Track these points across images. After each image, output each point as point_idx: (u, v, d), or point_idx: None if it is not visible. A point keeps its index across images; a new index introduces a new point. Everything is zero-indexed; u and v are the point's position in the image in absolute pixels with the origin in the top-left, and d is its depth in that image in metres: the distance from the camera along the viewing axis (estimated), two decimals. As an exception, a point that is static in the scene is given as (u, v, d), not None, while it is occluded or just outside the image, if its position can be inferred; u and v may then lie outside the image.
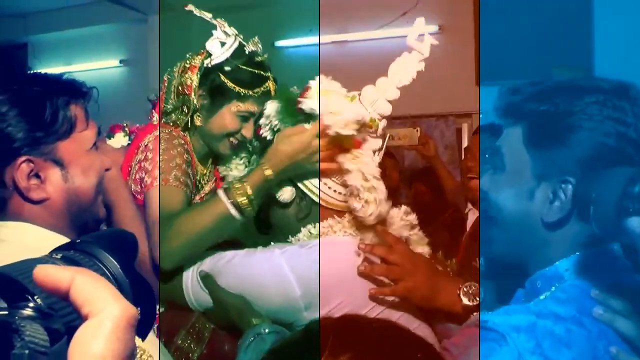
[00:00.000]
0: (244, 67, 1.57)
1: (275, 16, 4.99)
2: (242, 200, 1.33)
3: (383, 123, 1.41)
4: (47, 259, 0.51)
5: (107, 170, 1.22)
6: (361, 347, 0.72)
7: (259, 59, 1.61)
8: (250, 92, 1.56)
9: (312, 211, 1.44)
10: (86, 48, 5.52)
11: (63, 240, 1.07)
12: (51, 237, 1.08)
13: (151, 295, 0.57)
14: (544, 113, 0.97)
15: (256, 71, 1.59)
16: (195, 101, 1.56)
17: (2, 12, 5.64)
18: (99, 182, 1.17)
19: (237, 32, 1.63)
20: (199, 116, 1.59)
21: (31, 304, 0.43)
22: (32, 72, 1.15)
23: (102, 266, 0.53)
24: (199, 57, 1.59)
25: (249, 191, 1.34)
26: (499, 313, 0.92)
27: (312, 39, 4.79)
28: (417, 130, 3.33)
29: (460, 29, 4.28)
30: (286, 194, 1.43)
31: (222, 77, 1.55)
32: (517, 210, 1.00)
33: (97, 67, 5.36)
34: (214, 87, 1.56)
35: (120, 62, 5.48)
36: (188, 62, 1.59)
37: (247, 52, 1.59)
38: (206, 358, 1.56)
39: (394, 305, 1.36)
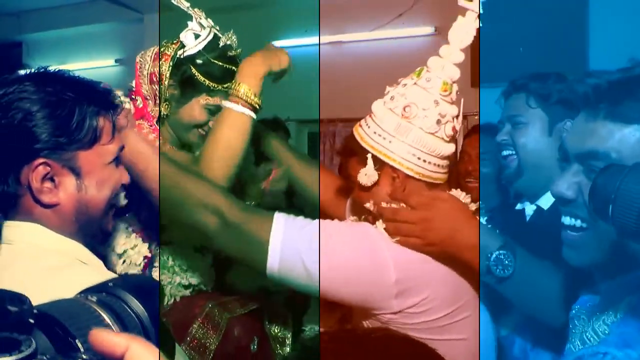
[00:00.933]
0: (216, 61, 1.57)
1: (273, 16, 4.99)
2: (247, 95, 1.46)
3: (456, 87, 1.36)
4: (83, 301, 0.57)
5: (123, 184, 1.20)
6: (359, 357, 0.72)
7: (231, 53, 1.62)
8: (220, 87, 1.57)
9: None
10: (81, 47, 5.51)
11: (72, 244, 1.09)
12: (61, 240, 1.08)
13: (172, 339, 0.62)
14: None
15: (227, 66, 1.59)
16: (165, 90, 1.56)
17: (-3, 11, 5.62)
18: (112, 196, 1.16)
19: (212, 24, 1.64)
20: (167, 106, 1.59)
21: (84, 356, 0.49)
22: (70, 75, 1.12)
23: (131, 312, 0.59)
24: (174, 46, 1.58)
25: (247, 87, 1.45)
26: (617, 345, 0.83)
27: (309, 40, 4.79)
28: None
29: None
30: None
31: (193, 70, 1.55)
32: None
33: (92, 67, 5.35)
34: (185, 79, 1.56)
35: (116, 61, 5.46)
36: (162, 49, 1.58)
37: (220, 46, 1.60)
38: (223, 346, 1.55)
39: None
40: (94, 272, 1.06)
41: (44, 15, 5.54)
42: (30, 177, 1.03)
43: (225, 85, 1.57)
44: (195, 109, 1.58)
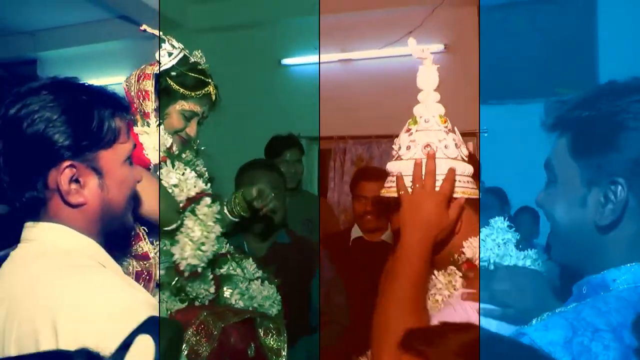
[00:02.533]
0: (188, 73, 1.83)
1: (282, 35, 5.03)
2: None
3: (448, 118, 1.51)
4: None
5: (137, 182, 1.27)
6: None
7: (200, 67, 1.88)
8: (193, 94, 1.83)
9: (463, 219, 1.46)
10: (94, 64, 5.57)
11: (93, 244, 1.14)
12: (81, 241, 1.12)
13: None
14: (587, 119, 0.96)
15: (198, 76, 1.85)
16: (152, 105, 1.79)
17: (13, 29, 5.71)
18: (131, 195, 1.23)
19: (182, 47, 1.89)
20: (156, 118, 1.83)
21: None
22: (80, 81, 1.19)
23: None
24: (151, 67, 1.83)
25: None
26: (537, 328, 0.91)
27: (316, 58, 4.83)
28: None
29: (465, 47, 4.31)
30: None
31: (169, 80, 1.81)
32: (572, 219, 1.00)
33: (105, 83, 5.39)
34: (162, 89, 1.81)
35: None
36: (142, 71, 1.84)
37: (190, 62, 1.87)
38: (217, 353, 1.58)
39: None
40: (112, 275, 1.10)
41: (58, 33, 5.62)
42: (59, 180, 1.08)
43: (197, 92, 1.83)
44: (173, 116, 1.83)
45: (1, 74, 6.53)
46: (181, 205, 1.78)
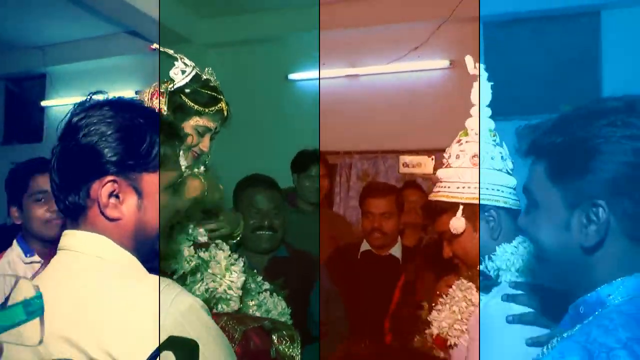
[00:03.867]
0: (201, 90, 1.87)
1: (289, 50, 5.07)
2: None
3: (497, 133, 1.62)
4: None
5: (179, 211, 1.31)
6: None
7: (212, 84, 1.92)
8: (207, 110, 1.86)
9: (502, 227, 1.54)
10: (102, 78, 5.62)
11: (127, 254, 1.16)
12: (120, 253, 1.15)
13: None
14: (562, 145, 0.99)
15: (211, 93, 1.89)
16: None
17: (22, 44, 5.78)
18: (169, 222, 1.26)
19: (194, 64, 1.90)
20: None
21: None
22: (142, 104, 1.26)
23: None
24: (165, 84, 1.86)
25: None
26: (554, 356, 0.91)
27: (324, 73, 4.87)
28: (432, 159, 3.31)
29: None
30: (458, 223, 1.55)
31: (183, 97, 1.84)
32: (557, 242, 1.02)
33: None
34: (177, 106, 1.83)
35: (136, 92, 5.54)
36: (154, 88, 1.86)
37: (202, 79, 1.89)
38: (239, 356, 1.63)
39: None
40: (148, 288, 1.10)
41: (67, 48, 5.68)
42: (100, 192, 1.12)
43: (210, 109, 1.87)
44: (187, 132, 1.83)
45: (11, 88, 6.61)
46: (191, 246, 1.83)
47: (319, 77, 4.78)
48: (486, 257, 1.51)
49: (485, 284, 1.50)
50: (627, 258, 0.96)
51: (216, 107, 1.88)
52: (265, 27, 4.99)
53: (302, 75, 5.05)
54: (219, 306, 1.81)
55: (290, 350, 1.83)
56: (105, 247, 1.14)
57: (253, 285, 2.04)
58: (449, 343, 1.56)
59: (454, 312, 1.57)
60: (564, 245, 1.00)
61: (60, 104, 5.98)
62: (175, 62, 1.88)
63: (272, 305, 2.05)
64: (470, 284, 1.58)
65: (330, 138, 4.60)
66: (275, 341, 1.82)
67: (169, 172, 1.22)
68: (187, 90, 1.85)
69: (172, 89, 1.84)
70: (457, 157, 1.58)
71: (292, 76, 5.07)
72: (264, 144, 3.81)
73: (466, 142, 1.59)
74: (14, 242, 2.17)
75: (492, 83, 1.65)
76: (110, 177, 1.12)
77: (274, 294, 2.11)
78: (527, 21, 4.20)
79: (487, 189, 1.52)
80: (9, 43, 5.76)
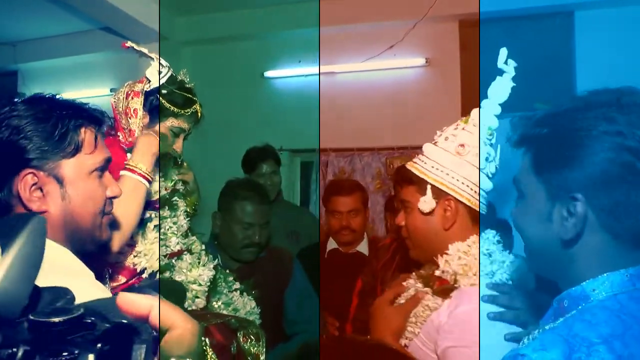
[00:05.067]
0: (177, 91, 1.90)
1: (268, 47, 5.06)
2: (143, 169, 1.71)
3: (495, 134, 1.60)
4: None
5: (112, 198, 1.27)
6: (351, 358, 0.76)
7: (187, 86, 1.95)
8: (182, 111, 1.90)
9: (457, 221, 1.56)
10: (77, 76, 5.54)
11: (62, 250, 1.14)
12: (52, 247, 1.12)
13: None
14: (547, 136, 1.00)
15: (187, 95, 1.93)
16: (139, 122, 1.83)
17: (-7, 40, 5.67)
18: (101, 210, 1.23)
19: (169, 65, 1.94)
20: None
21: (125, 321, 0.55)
22: (61, 97, 1.23)
23: None
24: (139, 84, 1.88)
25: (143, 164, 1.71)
26: (535, 347, 0.92)
27: (299, 70, 4.87)
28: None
29: (446, 62, 4.36)
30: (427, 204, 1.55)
31: (161, 99, 1.87)
32: (540, 234, 1.03)
33: (87, 95, 5.37)
34: (153, 107, 1.87)
35: (111, 90, 5.49)
36: (130, 88, 1.88)
37: (178, 80, 1.93)
38: None
39: None
40: (84, 282, 1.09)
41: (39, 45, 5.59)
42: (20, 187, 1.11)
43: (186, 110, 1.91)
44: (162, 132, 1.86)
45: (-19, 85, 6.48)
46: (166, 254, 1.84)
47: (319, 73, 4.77)
48: (440, 257, 1.52)
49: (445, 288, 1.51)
50: (609, 253, 0.97)
51: (191, 109, 1.92)
52: (242, 25, 4.97)
53: (279, 73, 5.04)
54: (185, 302, 1.81)
55: (256, 348, 1.84)
56: None
57: (224, 285, 2.05)
58: (401, 342, 1.56)
59: (410, 315, 1.57)
60: (546, 237, 1.02)
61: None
62: (152, 62, 1.89)
63: (241, 305, 2.08)
64: (427, 289, 1.58)
65: (307, 135, 4.60)
66: (241, 339, 1.84)
67: (89, 155, 1.20)
68: (164, 92, 1.88)
69: (149, 89, 1.86)
70: (446, 139, 1.59)
71: (268, 74, 5.05)
72: (239, 141, 3.79)
73: (462, 129, 1.60)
74: None
75: (514, 84, 1.65)
76: (28, 170, 1.11)
77: (244, 293, 2.13)
78: (501, 20, 4.24)
79: (457, 180, 1.53)
80: (-21, 39, 5.65)
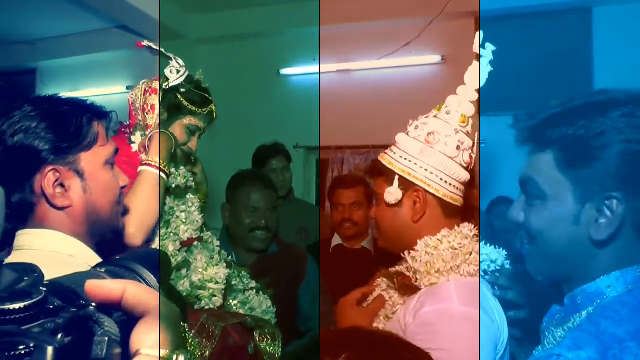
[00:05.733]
0: (195, 90, 1.95)
1: (281, 45, 5.06)
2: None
3: (471, 122, 1.54)
4: (92, 273, 0.60)
5: (123, 187, 1.31)
6: (359, 348, 0.76)
7: (204, 85, 2.00)
8: (200, 110, 1.94)
9: (427, 213, 1.49)
10: (94, 74, 5.59)
11: (82, 246, 1.18)
12: (71, 243, 1.16)
13: (183, 302, 0.65)
14: (573, 136, 0.98)
15: (203, 94, 1.97)
16: (155, 118, 1.87)
17: (13, 39, 5.73)
18: (118, 199, 1.27)
19: (185, 65, 1.97)
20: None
21: (93, 304, 0.52)
22: (59, 95, 1.26)
23: (141, 280, 0.62)
24: (156, 82, 1.92)
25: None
26: (569, 347, 0.90)
27: (316, 68, 4.86)
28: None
29: (462, 59, 4.32)
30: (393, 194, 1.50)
31: (179, 97, 1.91)
32: (563, 235, 1.01)
33: (104, 93, 5.42)
34: (172, 105, 1.91)
35: (127, 88, 5.53)
36: (147, 85, 1.92)
37: (195, 79, 1.98)
38: (219, 352, 1.64)
39: None
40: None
41: (57, 43, 5.64)
42: (43, 184, 1.14)
43: (203, 109, 1.95)
44: (177, 130, 1.92)
45: (1, 83, 6.56)
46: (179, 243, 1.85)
47: (319, 72, 4.77)
48: (407, 253, 1.46)
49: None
50: (631, 250, 0.97)
51: (208, 108, 1.97)
52: (257, 23, 4.98)
53: (295, 71, 5.04)
54: (202, 301, 1.83)
55: (272, 348, 1.85)
56: (59, 241, 1.15)
57: (239, 284, 2.06)
58: None
59: (378, 315, 1.51)
60: (571, 236, 1.00)
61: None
62: (170, 61, 1.93)
63: (257, 304, 2.09)
64: (390, 288, 1.52)
65: (322, 133, 4.60)
66: (257, 338, 1.85)
67: (103, 147, 1.25)
68: (182, 90, 1.92)
69: (167, 87, 1.90)
70: (416, 128, 1.53)
71: (284, 71, 5.06)
72: (255, 139, 3.79)
73: (434, 117, 1.54)
74: None
75: (491, 69, 1.59)
76: (49, 167, 1.14)
77: (260, 292, 2.14)
78: (518, 17, 4.21)
79: (425, 169, 1.46)
80: (-1, 38, 5.72)
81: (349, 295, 1.58)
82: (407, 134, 1.54)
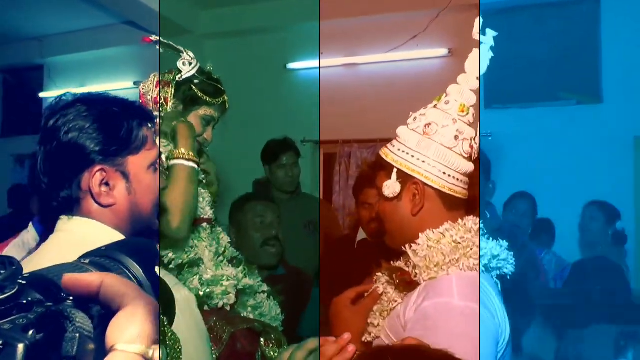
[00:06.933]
0: (208, 81, 1.97)
1: (288, 40, 5.06)
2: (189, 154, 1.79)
3: (472, 111, 1.49)
4: (76, 264, 0.58)
5: (163, 189, 1.38)
6: None
7: (215, 76, 2.02)
8: (214, 100, 1.97)
9: (425, 206, 1.45)
10: (101, 70, 5.61)
11: (122, 237, 1.20)
12: (112, 234, 1.21)
13: (171, 295, 0.64)
14: None
15: (216, 85, 1.99)
16: (169, 110, 1.90)
17: (20, 35, 5.76)
18: (157, 200, 1.31)
19: (195, 58, 2.00)
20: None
21: (71, 298, 0.50)
22: (111, 95, 1.30)
23: (126, 270, 0.60)
24: (169, 74, 1.94)
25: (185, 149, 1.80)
26: None
27: (323, 62, 4.85)
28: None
29: (469, 52, 4.30)
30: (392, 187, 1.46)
31: (193, 88, 1.93)
32: None
33: (111, 89, 5.44)
34: (187, 96, 1.94)
35: (134, 83, 5.55)
36: (159, 78, 1.95)
37: (206, 71, 2.00)
38: (226, 357, 1.65)
39: None
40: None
41: (64, 39, 5.66)
42: (91, 183, 1.18)
43: (217, 100, 1.97)
44: (193, 121, 1.93)
45: (9, 80, 6.59)
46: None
47: (319, 66, 4.77)
48: (408, 246, 1.42)
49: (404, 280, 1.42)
50: None
51: (222, 99, 1.99)
52: (264, 17, 4.98)
53: (301, 65, 5.04)
54: (215, 300, 1.82)
55: (276, 353, 1.86)
56: (99, 230, 1.20)
57: (251, 282, 2.03)
58: (365, 339, 1.46)
59: (373, 311, 1.48)
60: None
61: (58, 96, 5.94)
62: (181, 54, 1.97)
63: (267, 309, 2.08)
64: (388, 280, 1.49)
65: (329, 127, 4.60)
66: (263, 343, 1.84)
67: (149, 151, 1.28)
68: (196, 81, 1.94)
69: (180, 79, 1.93)
70: (415, 119, 1.50)
71: (291, 65, 5.06)
72: (262, 133, 3.80)
73: (433, 107, 1.50)
74: (30, 224, 2.33)
75: (492, 55, 1.53)
76: (98, 167, 1.18)
77: (271, 297, 2.13)
78: (526, 8, 4.19)
79: (423, 161, 1.43)
80: (6, 35, 5.74)
81: (343, 294, 1.55)
82: (407, 127, 1.51)
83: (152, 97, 1.93)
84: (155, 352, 0.49)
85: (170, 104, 1.91)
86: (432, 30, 4.45)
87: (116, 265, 0.59)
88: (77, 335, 0.47)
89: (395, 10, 4.54)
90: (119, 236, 1.20)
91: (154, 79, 1.97)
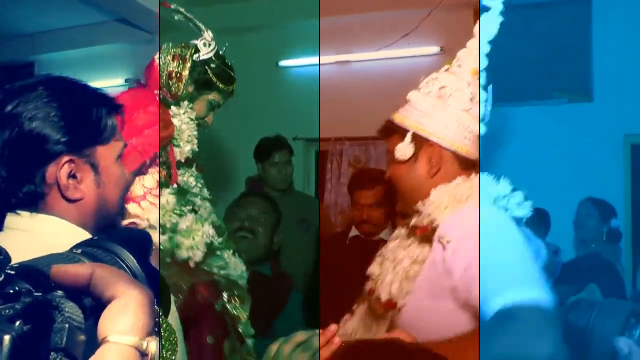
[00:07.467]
0: (223, 67, 1.93)
1: (280, 37, 5.05)
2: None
3: (484, 74, 1.53)
4: (68, 254, 0.56)
5: (128, 181, 1.27)
6: None
7: (229, 63, 1.99)
8: (226, 88, 1.93)
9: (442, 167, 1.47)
10: (92, 67, 5.57)
11: (87, 236, 1.09)
12: (77, 233, 1.10)
13: (166, 285, 0.61)
14: None
15: (231, 72, 1.96)
16: (182, 87, 1.84)
17: (10, 32, 5.72)
18: (124, 194, 1.22)
19: (214, 39, 1.95)
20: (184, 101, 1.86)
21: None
22: (75, 79, 1.19)
23: (119, 260, 0.58)
24: (187, 50, 1.88)
25: None
26: None
27: (315, 59, 4.85)
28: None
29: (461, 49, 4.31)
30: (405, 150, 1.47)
31: (209, 72, 1.88)
32: None
33: (102, 86, 5.40)
34: (201, 79, 1.88)
35: (126, 81, 5.53)
36: (178, 51, 1.88)
37: (221, 55, 1.96)
38: (186, 306, 1.65)
39: None
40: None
41: (55, 36, 5.62)
42: (58, 175, 1.07)
43: (228, 87, 1.93)
44: (200, 104, 1.91)
45: (-1, 76, 6.55)
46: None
47: (319, 63, 4.76)
48: (420, 203, 1.44)
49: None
50: None
51: (232, 87, 1.96)
52: (256, 14, 4.96)
53: (293, 62, 5.03)
54: (182, 250, 1.74)
55: (238, 310, 1.84)
56: (64, 230, 1.09)
57: (219, 243, 1.95)
58: (398, 306, 1.47)
59: (398, 272, 1.49)
60: None
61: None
62: (202, 33, 1.93)
63: (232, 267, 1.98)
64: (412, 240, 1.49)
65: (321, 124, 4.59)
66: (226, 299, 1.82)
67: (118, 142, 1.19)
68: (213, 65, 1.90)
69: (198, 59, 1.87)
70: (427, 83, 1.52)
71: (283, 63, 5.05)
72: (254, 130, 3.80)
73: (445, 71, 1.53)
74: None
75: (502, 19, 1.52)
76: (66, 158, 1.07)
77: (236, 254, 2.04)
78: (518, 8, 4.20)
79: (437, 123, 1.45)
80: (-3, 31, 5.71)
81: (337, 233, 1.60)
82: (419, 89, 1.52)
83: (166, 69, 1.85)
84: (150, 343, 0.48)
85: (184, 83, 1.84)
86: (423, 28, 4.45)
87: (109, 256, 0.58)
88: (67, 325, 0.46)
89: (386, 8, 4.54)
90: (84, 234, 1.10)
91: (170, 51, 1.89)
